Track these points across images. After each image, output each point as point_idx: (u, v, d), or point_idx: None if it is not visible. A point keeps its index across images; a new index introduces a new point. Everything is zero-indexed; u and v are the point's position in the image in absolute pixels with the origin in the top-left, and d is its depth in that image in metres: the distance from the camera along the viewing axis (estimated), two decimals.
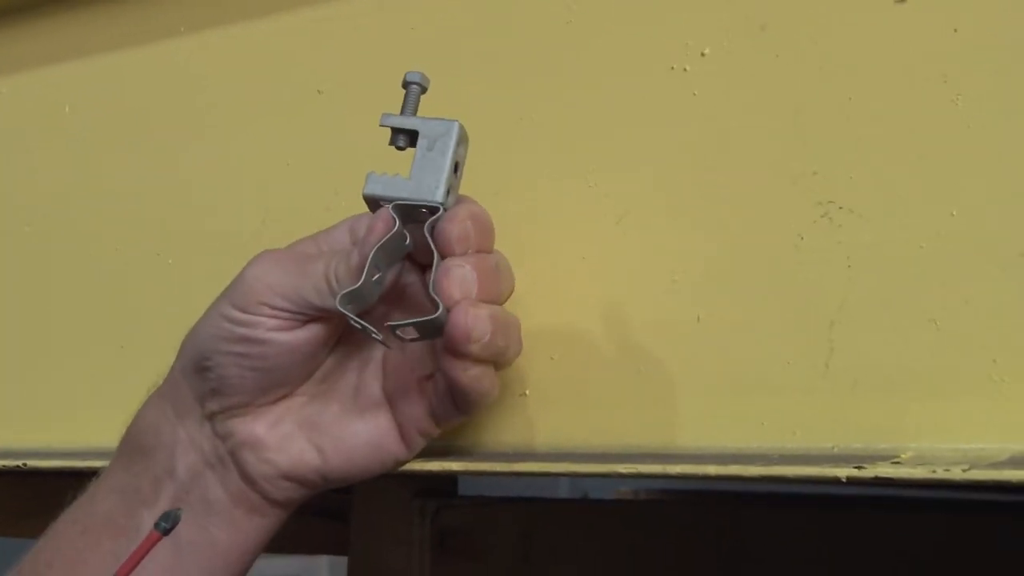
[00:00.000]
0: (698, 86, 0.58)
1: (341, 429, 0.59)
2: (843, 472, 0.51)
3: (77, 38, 0.81)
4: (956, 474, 0.48)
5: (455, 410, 0.57)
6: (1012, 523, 1.09)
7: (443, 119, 0.56)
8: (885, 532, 1.08)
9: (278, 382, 0.59)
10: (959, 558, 1.07)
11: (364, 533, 1.20)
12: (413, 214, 0.56)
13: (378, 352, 0.60)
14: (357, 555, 1.20)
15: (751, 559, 1.13)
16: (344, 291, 0.55)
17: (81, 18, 0.81)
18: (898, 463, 0.50)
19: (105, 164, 0.80)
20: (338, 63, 0.70)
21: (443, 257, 0.55)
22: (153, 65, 0.78)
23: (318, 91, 0.70)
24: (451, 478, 1.21)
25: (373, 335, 0.55)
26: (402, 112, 0.57)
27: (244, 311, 0.57)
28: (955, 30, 0.52)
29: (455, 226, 0.55)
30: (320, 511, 1.21)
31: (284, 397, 0.60)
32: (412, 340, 0.55)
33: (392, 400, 0.59)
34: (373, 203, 0.57)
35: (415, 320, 0.54)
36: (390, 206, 0.56)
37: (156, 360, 0.63)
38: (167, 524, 0.54)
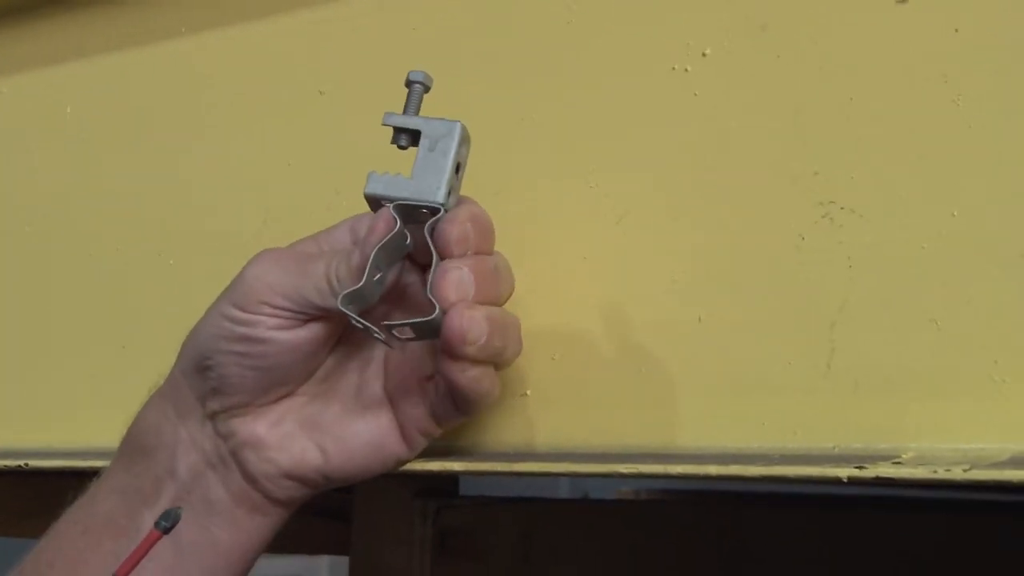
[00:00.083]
0: (699, 86, 0.58)
1: (342, 428, 0.59)
2: (844, 472, 0.51)
3: (78, 39, 0.81)
4: (957, 474, 0.48)
5: (456, 410, 0.57)
6: (1013, 523, 1.09)
7: (446, 119, 0.56)
8: (886, 532, 1.08)
9: (279, 381, 0.59)
10: (960, 558, 1.07)
11: (365, 533, 1.20)
12: (414, 214, 0.56)
13: (379, 352, 0.60)
14: (358, 555, 1.21)
15: (752, 559, 1.13)
16: (346, 291, 0.55)
17: (82, 19, 0.81)
18: (899, 463, 0.50)
19: (106, 164, 0.80)
20: (339, 64, 0.70)
21: (442, 258, 0.55)
22: (154, 66, 0.78)
23: (319, 92, 0.70)
24: (452, 478, 1.21)
25: (375, 335, 0.55)
26: (404, 111, 0.57)
27: (245, 310, 0.57)
28: (956, 30, 0.52)
29: (455, 228, 0.55)
30: (321, 511, 1.21)
31: (285, 396, 0.60)
32: (409, 340, 0.56)
33: (393, 400, 0.59)
34: (374, 202, 0.57)
35: (412, 321, 0.54)
36: (391, 206, 0.56)
37: (157, 360, 0.63)
38: (167, 523, 0.54)
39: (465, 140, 0.57)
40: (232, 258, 0.60)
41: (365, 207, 0.57)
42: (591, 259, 0.60)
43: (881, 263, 0.53)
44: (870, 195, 0.53)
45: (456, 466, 0.61)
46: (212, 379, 0.59)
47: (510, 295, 0.58)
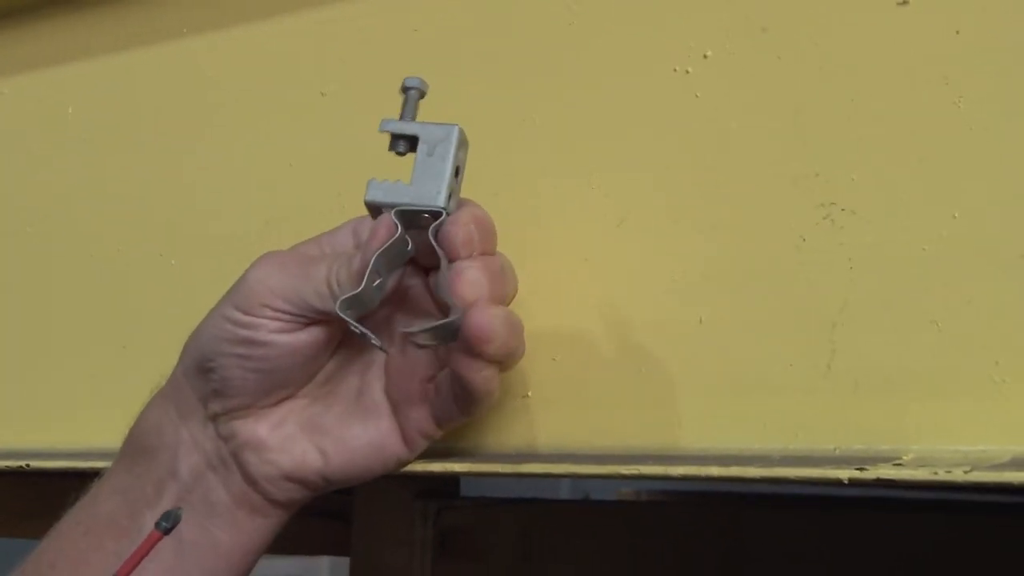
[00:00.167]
0: (700, 88, 0.58)
1: (343, 431, 0.59)
2: (845, 473, 0.51)
3: (80, 39, 0.81)
4: (958, 476, 0.48)
5: (457, 412, 0.58)
6: (1013, 524, 1.09)
7: (442, 123, 0.56)
8: (886, 533, 1.08)
9: (280, 384, 0.59)
10: (960, 559, 1.07)
11: (366, 534, 1.20)
12: (415, 219, 0.56)
13: (380, 355, 0.60)
14: (359, 556, 1.21)
15: (752, 560, 1.13)
16: (344, 296, 0.55)
17: (84, 19, 0.81)
18: (900, 465, 0.50)
19: (108, 165, 0.80)
20: (341, 65, 0.70)
21: (450, 261, 0.55)
22: (156, 67, 0.78)
23: (322, 93, 0.70)
24: (453, 479, 1.21)
25: (372, 341, 0.55)
26: (401, 117, 0.57)
27: (246, 313, 0.57)
28: (957, 32, 0.52)
29: (459, 230, 0.55)
30: (322, 512, 1.21)
31: (286, 399, 0.60)
32: (425, 346, 0.55)
33: (394, 402, 0.59)
34: (375, 209, 0.57)
35: (431, 326, 0.54)
36: (392, 212, 0.56)
37: (159, 361, 0.63)
38: (168, 523, 0.54)
39: (463, 143, 0.56)
40: (234, 259, 0.61)
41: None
42: (592, 260, 0.60)
43: (882, 264, 0.53)
44: (871, 196, 0.53)
45: (457, 467, 0.62)
46: (214, 381, 0.59)
47: (515, 295, 0.58)
